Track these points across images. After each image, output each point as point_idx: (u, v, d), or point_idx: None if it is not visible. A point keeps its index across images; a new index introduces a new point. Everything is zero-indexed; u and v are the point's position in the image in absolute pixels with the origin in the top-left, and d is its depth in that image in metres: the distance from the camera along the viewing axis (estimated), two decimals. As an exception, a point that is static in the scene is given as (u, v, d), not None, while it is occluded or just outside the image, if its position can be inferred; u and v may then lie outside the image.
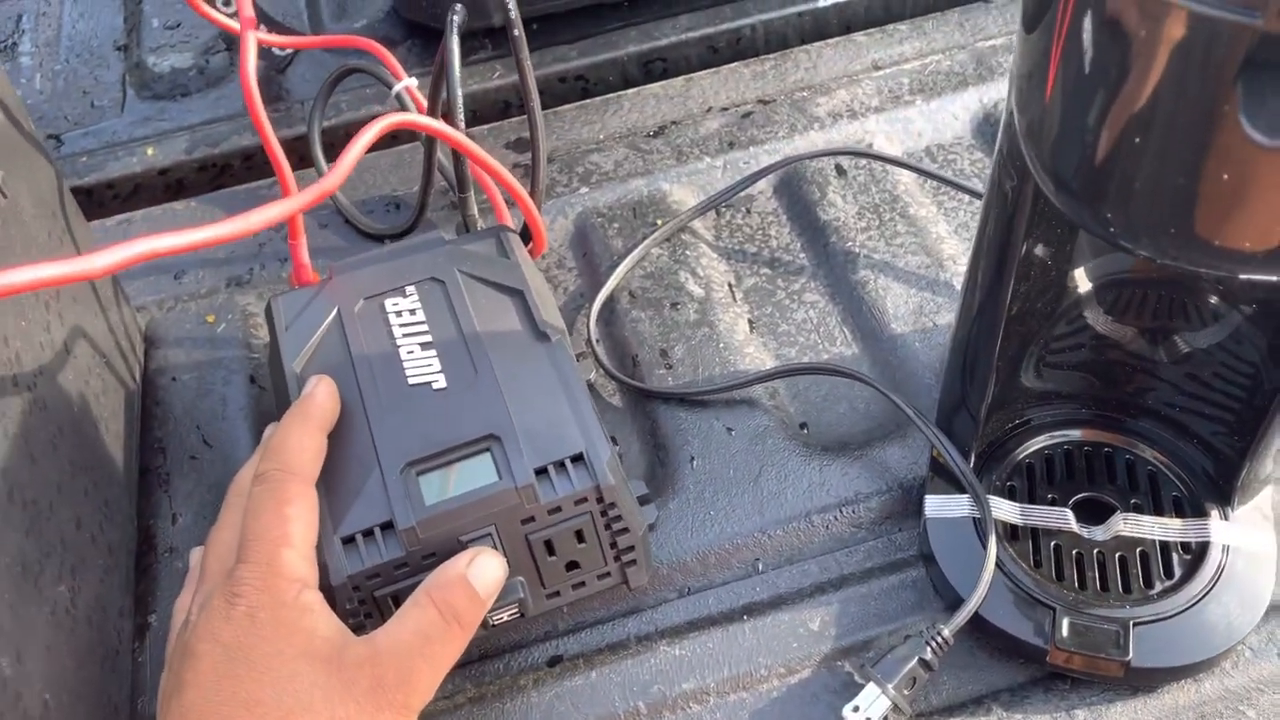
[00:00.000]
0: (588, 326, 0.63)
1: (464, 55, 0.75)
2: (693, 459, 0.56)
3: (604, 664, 0.50)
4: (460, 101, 0.56)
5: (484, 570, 0.43)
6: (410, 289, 0.54)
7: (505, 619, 0.47)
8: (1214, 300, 0.48)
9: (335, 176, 0.45)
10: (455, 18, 0.55)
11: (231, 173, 0.76)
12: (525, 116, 0.76)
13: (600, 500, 0.46)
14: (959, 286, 0.62)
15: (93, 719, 0.45)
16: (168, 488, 0.58)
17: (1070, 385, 0.52)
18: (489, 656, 0.51)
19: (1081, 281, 0.46)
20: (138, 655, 0.52)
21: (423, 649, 0.41)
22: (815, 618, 0.51)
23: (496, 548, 0.46)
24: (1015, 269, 0.43)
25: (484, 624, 0.46)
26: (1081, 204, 0.34)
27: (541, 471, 0.46)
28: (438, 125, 0.53)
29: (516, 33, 0.55)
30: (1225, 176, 0.29)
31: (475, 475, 0.46)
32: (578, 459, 0.47)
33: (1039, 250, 0.43)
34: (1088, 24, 0.31)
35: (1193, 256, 0.32)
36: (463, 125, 0.56)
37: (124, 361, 0.60)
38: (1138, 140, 0.30)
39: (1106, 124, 0.31)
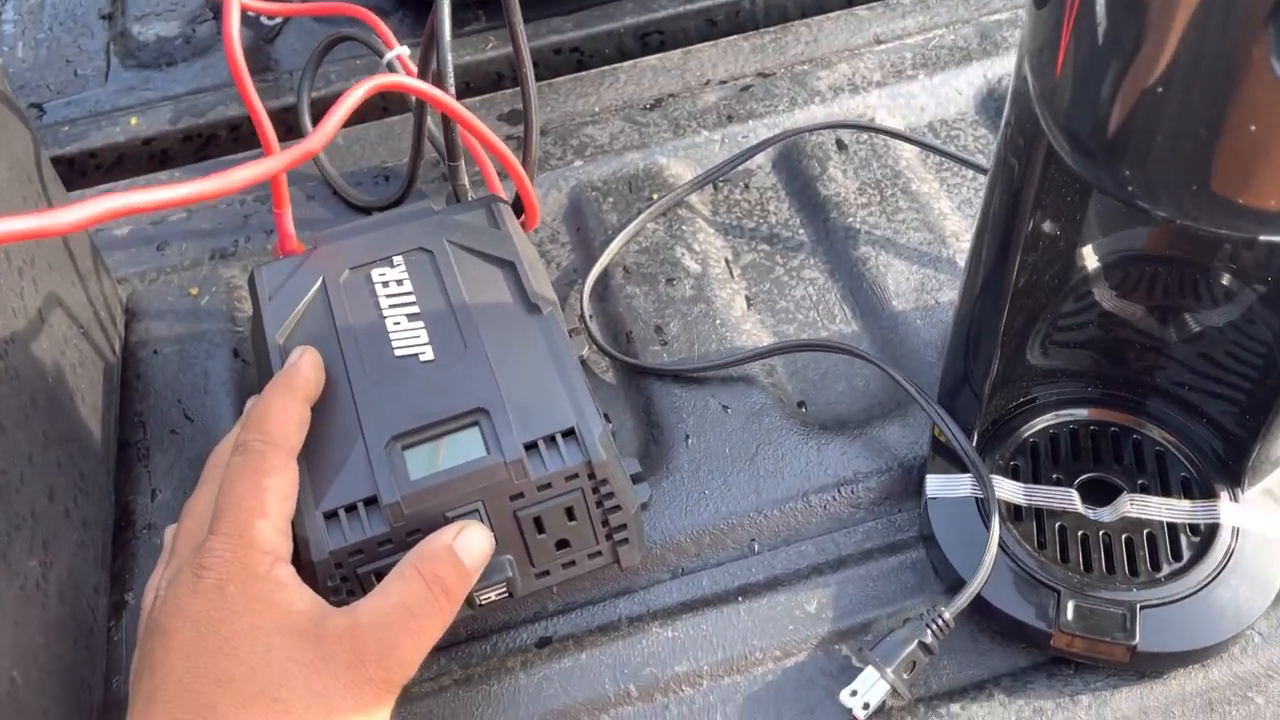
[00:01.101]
0: (581, 302, 0.61)
1: (456, 26, 0.74)
2: (688, 437, 0.55)
3: (594, 645, 0.49)
4: (450, 66, 0.54)
5: (471, 542, 0.42)
6: (398, 259, 0.52)
7: (493, 598, 0.45)
8: (1226, 279, 0.47)
9: (319, 136, 0.44)
10: (447, -21, 0.53)
11: (218, 143, 0.74)
12: (518, 88, 0.74)
13: (592, 477, 0.45)
14: (962, 264, 0.61)
15: (64, 698, 0.44)
16: (147, 462, 0.56)
17: (1077, 363, 0.51)
18: (475, 637, 0.49)
19: (1090, 258, 0.44)
20: (113, 634, 0.50)
21: (406, 622, 0.40)
22: (812, 600, 0.49)
23: (484, 524, 0.44)
24: (1022, 242, 0.42)
25: (471, 604, 0.45)
26: (1099, 164, 0.33)
27: (531, 446, 0.45)
28: (426, 88, 0.51)
29: (510, -4, 0.53)
30: (1252, 128, 0.27)
31: (463, 449, 0.45)
32: (569, 434, 0.45)
33: (1046, 224, 0.41)
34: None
35: (1213, 217, 0.31)
36: (453, 91, 0.54)
37: (103, 333, 0.58)
38: (1160, 91, 0.28)
39: (1127, 77, 0.29)
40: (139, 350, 0.61)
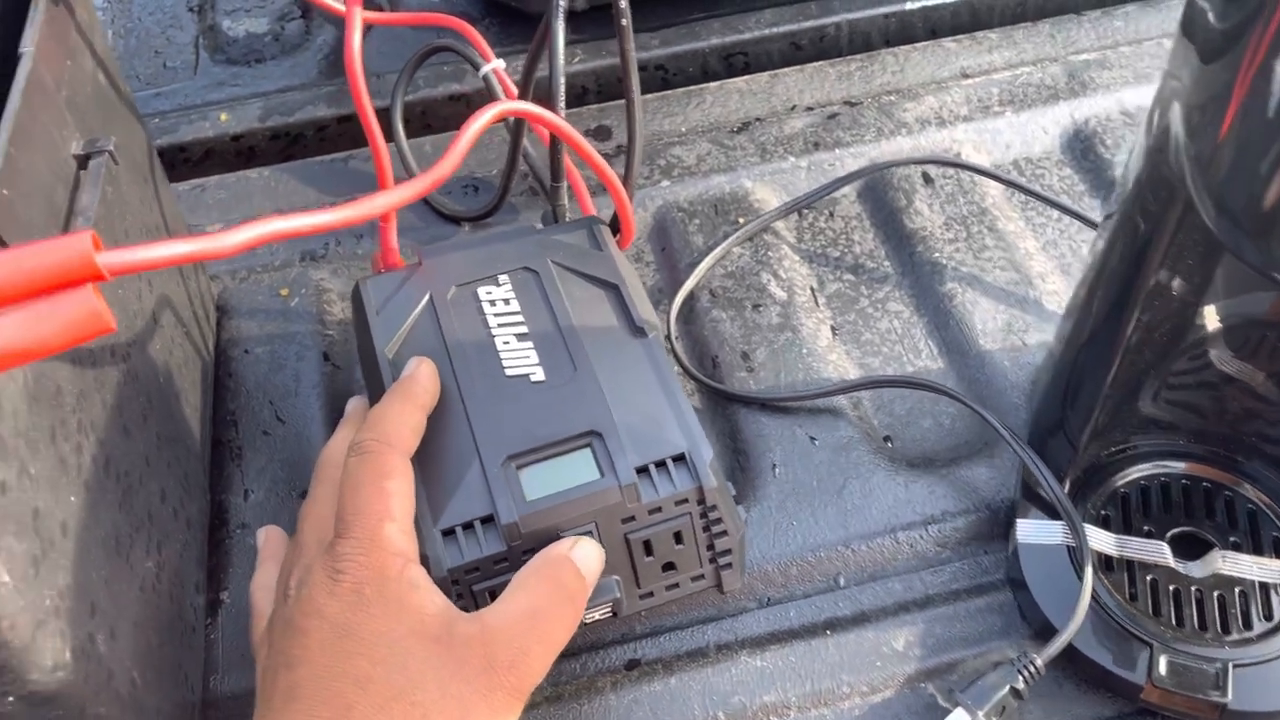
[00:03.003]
0: (667, 323, 0.62)
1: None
2: (775, 466, 0.55)
3: (683, 670, 0.49)
4: (562, 87, 0.54)
5: (588, 554, 0.43)
6: (503, 278, 0.53)
7: (598, 618, 0.46)
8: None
9: (450, 163, 0.44)
10: (562, 1, 0.54)
11: (303, 143, 0.75)
12: (602, 104, 0.75)
13: (701, 502, 0.46)
14: (1049, 306, 0.61)
15: (172, 698, 0.45)
16: (240, 462, 0.57)
17: (1177, 417, 0.51)
18: (565, 656, 0.50)
19: (1210, 318, 0.45)
20: (210, 632, 0.51)
21: (535, 627, 0.40)
22: (899, 637, 0.50)
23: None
24: (1142, 300, 0.42)
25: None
26: (1247, 234, 0.33)
27: (643, 470, 0.45)
28: (552, 118, 0.51)
29: (625, 22, 0.54)
30: None
31: (577, 472, 0.45)
32: (679, 459, 0.46)
33: (1172, 282, 0.42)
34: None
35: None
36: (563, 111, 0.55)
37: (200, 331, 0.59)
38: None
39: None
40: (230, 349, 0.62)
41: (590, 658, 0.50)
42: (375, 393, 0.50)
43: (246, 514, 0.55)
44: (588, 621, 0.46)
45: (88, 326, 0.30)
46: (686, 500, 0.46)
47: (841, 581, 0.52)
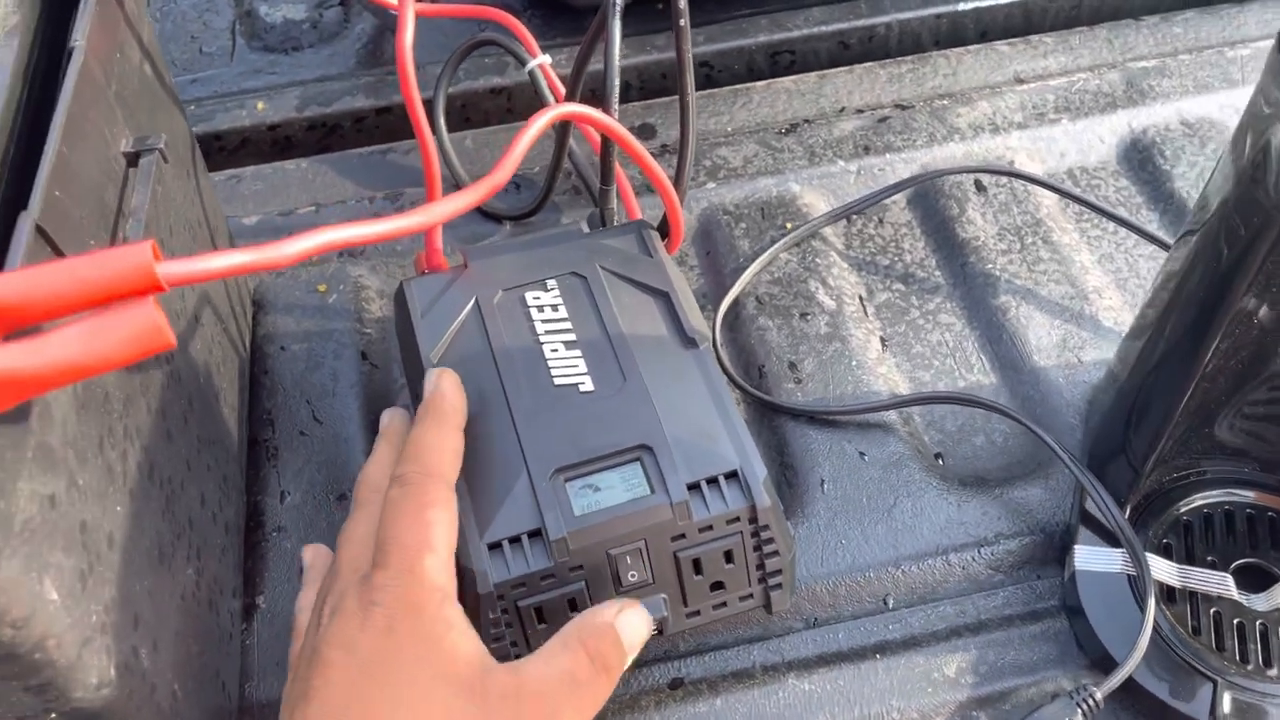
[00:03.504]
0: (713, 330, 0.60)
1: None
2: (823, 482, 0.54)
3: (728, 691, 0.48)
4: (617, 87, 0.53)
5: (632, 623, 0.41)
6: (551, 283, 0.52)
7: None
8: None
9: (507, 169, 0.43)
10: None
11: (340, 134, 0.74)
12: (646, 101, 0.74)
13: (753, 520, 0.45)
14: (1105, 322, 0.60)
15: (210, 708, 0.44)
16: (276, 462, 0.56)
17: (1248, 444, 0.50)
18: (609, 672, 0.49)
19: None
20: (245, 638, 0.50)
21: (571, 694, 0.39)
22: (950, 663, 0.49)
23: (644, 563, 0.44)
24: (1224, 327, 0.41)
25: None
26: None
27: (694, 487, 0.44)
28: (610, 122, 0.50)
29: (683, 23, 0.52)
30: None
31: (627, 487, 0.44)
32: (732, 476, 0.45)
33: (1259, 310, 0.40)
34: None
35: None
36: (615, 112, 0.53)
37: (237, 327, 0.58)
38: None
39: None
40: (266, 345, 0.61)
41: (633, 675, 0.49)
42: (417, 393, 0.49)
43: (283, 517, 0.54)
44: (633, 640, 0.45)
45: (149, 342, 0.29)
46: (738, 519, 0.45)
47: (891, 603, 0.51)
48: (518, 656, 0.45)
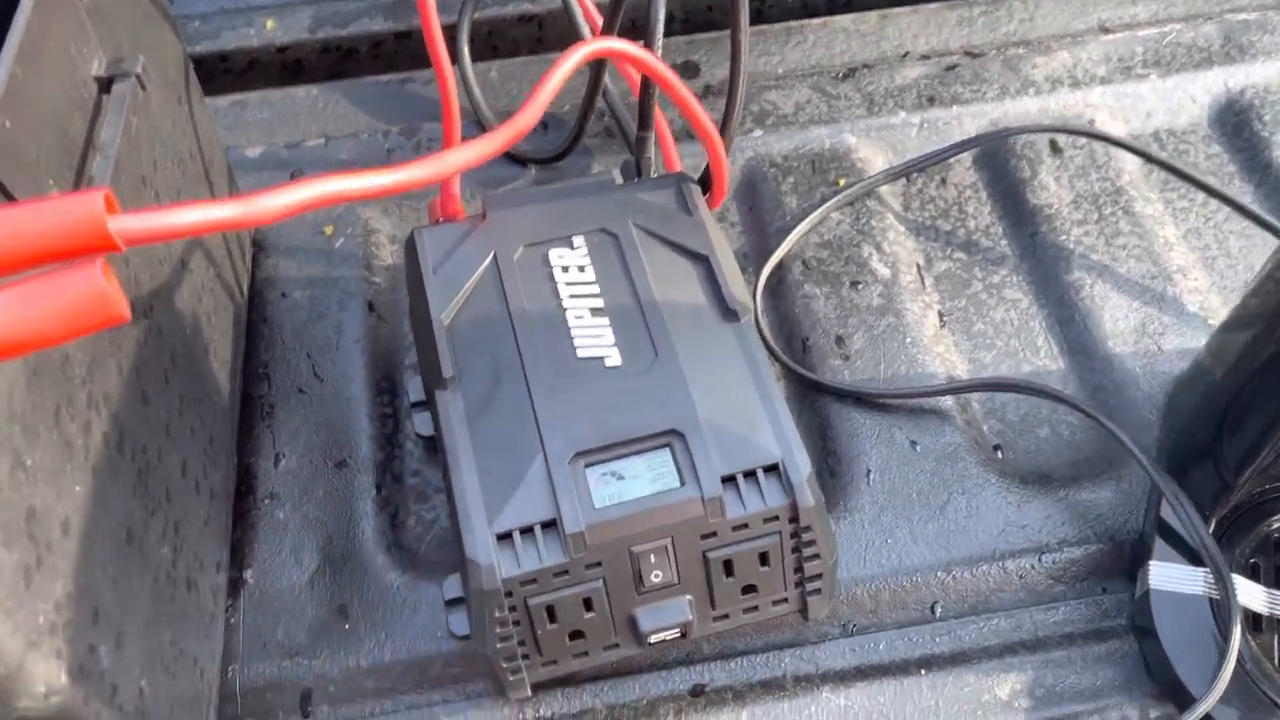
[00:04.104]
0: (754, 296, 0.55)
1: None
2: (869, 473, 0.49)
3: (755, 702, 0.44)
4: (661, 20, 0.47)
5: None
6: (578, 240, 0.46)
7: (666, 639, 0.41)
8: None
9: (533, 113, 0.38)
10: (666, -79, 0.46)
11: (356, 59, 0.68)
12: (689, 35, 0.67)
13: (794, 520, 0.40)
14: (1189, 306, 0.54)
15: (185, 699, 0.40)
16: (271, 422, 0.52)
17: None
18: (624, 675, 0.45)
19: None
20: (230, 616, 0.46)
21: None
22: (1004, 684, 0.44)
23: (670, 562, 0.40)
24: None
25: (641, 642, 0.41)
26: None
27: (729, 480, 0.39)
28: (651, 60, 0.44)
29: (739, -50, 0.46)
30: None
31: (654, 476, 0.40)
32: (772, 469, 0.40)
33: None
34: None
35: None
36: (659, 49, 0.47)
37: (234, 272, 0.53)
38: None
39: None
40: (266, 290, 0.56)
41: (651, 679, 0.45)
42: (428, 363, 0.44)
43: (276, 482, 0.50)
44: (654, 642, 0.41)
45: (93, 315, 0.24)
46: (777, 518, 0.40)
47: (938, 612, 0.46)
48: (526, 659, 0.40)
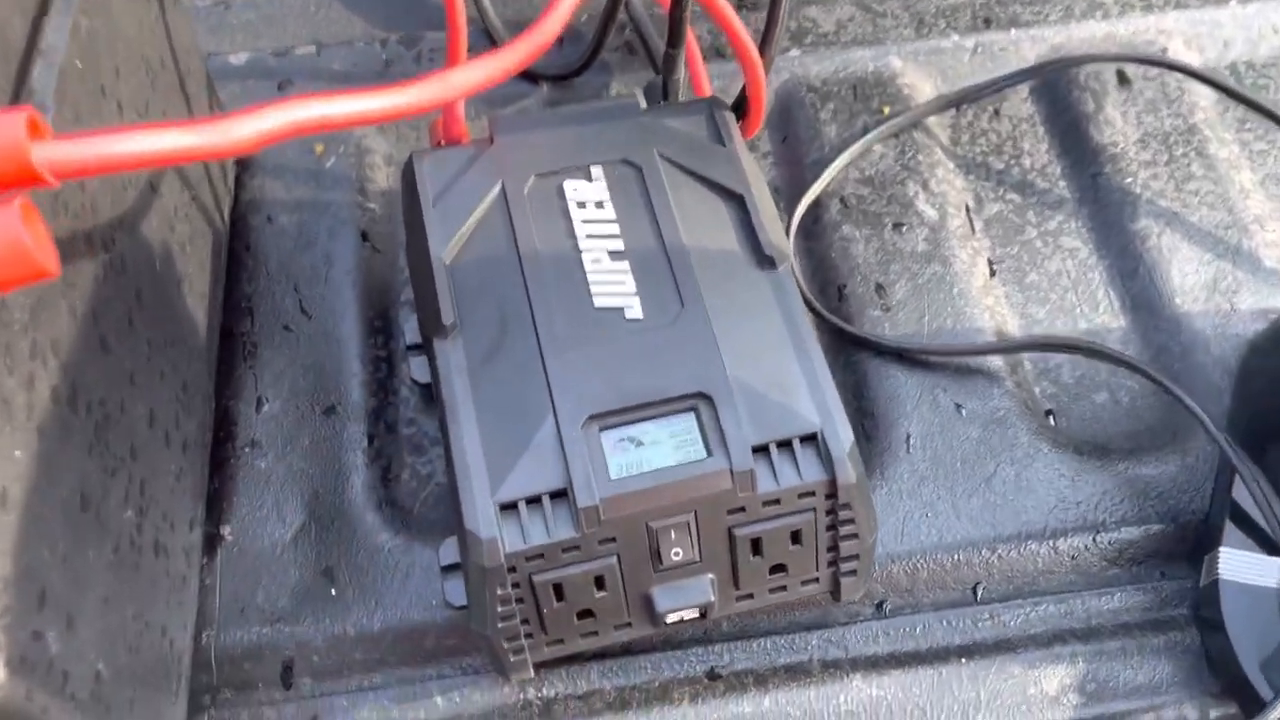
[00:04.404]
0: (787, 235, 0.50)
1: None
2: (909, 439, 0.45)
3: (777, 688, 0.40)
4: (697, -77, 0.41)
5: None
6: (597, 171, 0.41)
7: (684, 619, 0.37)
8: None
9: (550, 27, 0.32)
10: None
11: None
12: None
13: (832, 496, 0.35)
14: (1267, 261, 0.49)
15: (149, 675, 0.36)
16: (254, 362, 0.47)
17: None
18: (634, 653, 0.41)
19: None
20: (205, 577, 0.42)
21: None
22: (1052, 676, 0.40)
23: (691, 539, 0.35)
24: None
25: (656, 622, 0.37)
26: None
27: (761, 450, 0.35)
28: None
29: None
30: None
31: (678, 444, 0.35)
32: (810, 439, 0.35)
33: None
34: None
35: None
36: (693, -45, 0.42)
37: (213, 194, 0.48)
38: None
39: None
40: (250, 215, 0.51)
41: (664, 659, 0.41)
42: (425, 305, 0.39)
43: (258, 429, 0.45)
44: (668, 623, 0.37)
45: (11, 270, 0.19)
46: (813, 494, 0.36)
47: (981, 594, 0.42)
48: (530, 638, 0.36)
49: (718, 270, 0.39)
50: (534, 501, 0.35)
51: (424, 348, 0.43)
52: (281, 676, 0.41)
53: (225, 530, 0.43)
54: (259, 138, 0.23)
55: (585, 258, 0.39)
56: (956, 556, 0.42)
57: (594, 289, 0.38)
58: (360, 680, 0.41)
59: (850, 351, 0.47)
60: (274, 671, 0.41)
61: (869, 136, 0.52)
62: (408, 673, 0.41)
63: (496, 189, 0.41)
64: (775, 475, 0.35)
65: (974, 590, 0.42)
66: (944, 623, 0.42)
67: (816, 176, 0.51)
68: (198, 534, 0.42)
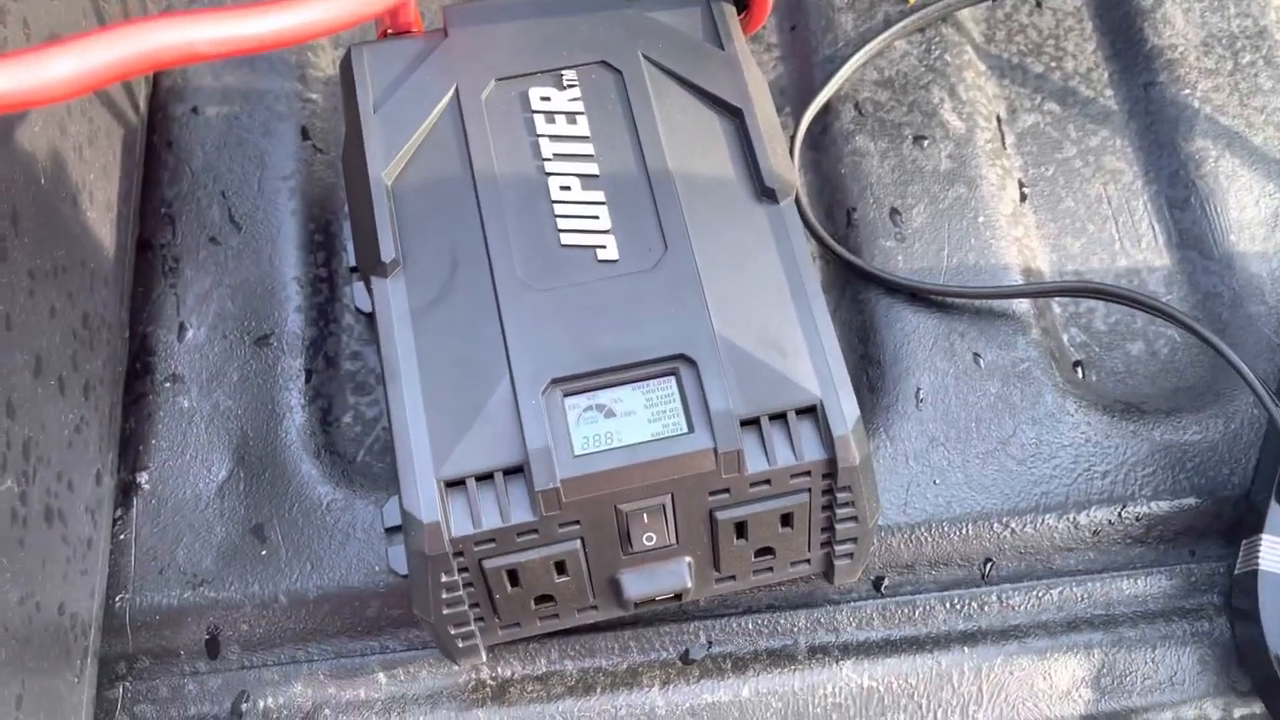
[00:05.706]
0: (791, 147, 0.43)
1: None
2: (919, 392, 0.39)
3: (758, 674, 0.36)
4: None
5: None
6: (569, 76, 0.35)
7: (656, 603, 0.33)
8: None
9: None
10: None
11: None
12: None
13: (829, 476, 0.31)
14: (1336, 195, 0.43)
15: (43, 666, 0.31)
16: (174, 280, 0.41)
17: None
18: (601, 631, 0.37)
19: None
20: (119, 532, 0.37)
21: None
22: (1064, 667, 0.36)
23: (666, 523, 0.31)
24: None
25: (625, 606, 0.33)
26: None
27: (751, 423, 0.30)
28: None
29: None
30: None
31: (654, 415, 0.30)
32: (808, 412, 0.30)
33: None
34: None
35: None
36: None
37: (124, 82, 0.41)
38: None
39: None
40: (172, 104, 0.44)
41: (633, 639, 0.37)
42: (362, 228, 0.34)
43: (179, 361, 0.40)
44: (638, 606, 0.33)
45: None
46: (808, 473, 0.31)
47: (990, 572, 0.38)
48: (481, 622, 0.32)
49: (709, 203, 0.33)
50: (485, 479, 0.30)
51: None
52: (206, 645, 0.37)
53: (142, 478, 0.38)
54: (81, 81, 0.16)
55: (552, 184, 0.33)
56: (965, 530, 0.38)
57: (561, 223, 0.32)
58: (293, 651, 0.37)
59: (857, 288, 0.41)
60: (197, 639, 0.36)
61: (890, 31, 0.45)
62: (346, 644, 0.37)
63: (449, 95, 0.34)
64: (766, 453, 0.30)
65: (983, 568, 0.38)
66: (946, 604, 0.37)
67: (828, 76, 0.44)
68: (108, 485, 0.37)
